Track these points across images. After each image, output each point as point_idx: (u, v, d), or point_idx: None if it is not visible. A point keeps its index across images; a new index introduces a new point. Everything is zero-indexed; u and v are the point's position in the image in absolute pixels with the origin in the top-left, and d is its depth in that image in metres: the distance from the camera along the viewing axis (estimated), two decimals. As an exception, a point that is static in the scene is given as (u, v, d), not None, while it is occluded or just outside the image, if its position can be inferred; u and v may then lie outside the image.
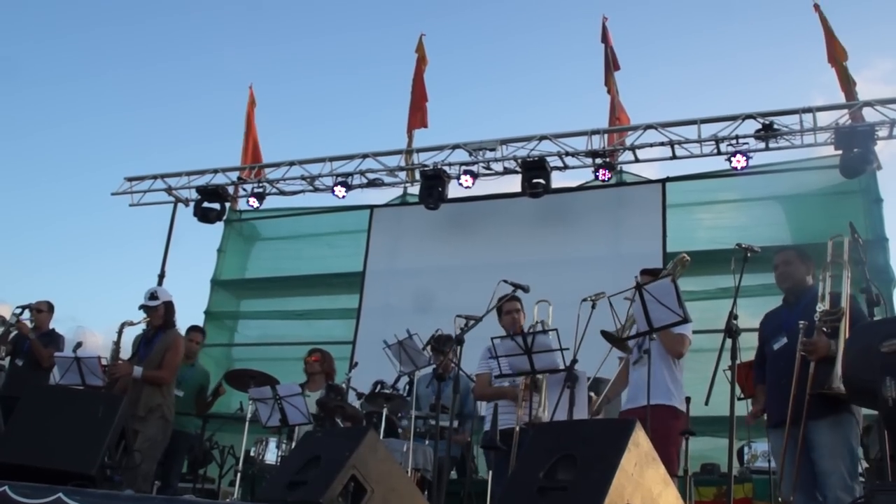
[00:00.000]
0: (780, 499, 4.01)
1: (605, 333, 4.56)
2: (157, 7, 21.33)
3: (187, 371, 6.77)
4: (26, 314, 7.06)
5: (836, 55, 8.56)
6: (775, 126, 8.15)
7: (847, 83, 8.43)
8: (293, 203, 10.97)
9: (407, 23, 21.25)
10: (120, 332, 5.69)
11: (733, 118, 8.36)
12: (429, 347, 6.12)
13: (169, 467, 6.49)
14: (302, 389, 6.04)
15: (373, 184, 10.04)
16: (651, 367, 4.50)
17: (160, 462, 5.87)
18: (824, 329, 3.88)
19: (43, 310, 7.19)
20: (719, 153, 8.49)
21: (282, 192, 10.58)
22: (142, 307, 5.80)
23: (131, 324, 5.75)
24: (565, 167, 9.22)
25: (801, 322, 3.96)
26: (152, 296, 5.84)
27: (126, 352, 5.76)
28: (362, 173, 9.97)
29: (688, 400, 5.82)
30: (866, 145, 7.68)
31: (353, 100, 22.19)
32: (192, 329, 7.25)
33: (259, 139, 11.40)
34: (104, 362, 5.60)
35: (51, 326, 7.22)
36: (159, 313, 5.81)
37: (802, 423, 3.85)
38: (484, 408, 6.13)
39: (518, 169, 9.18)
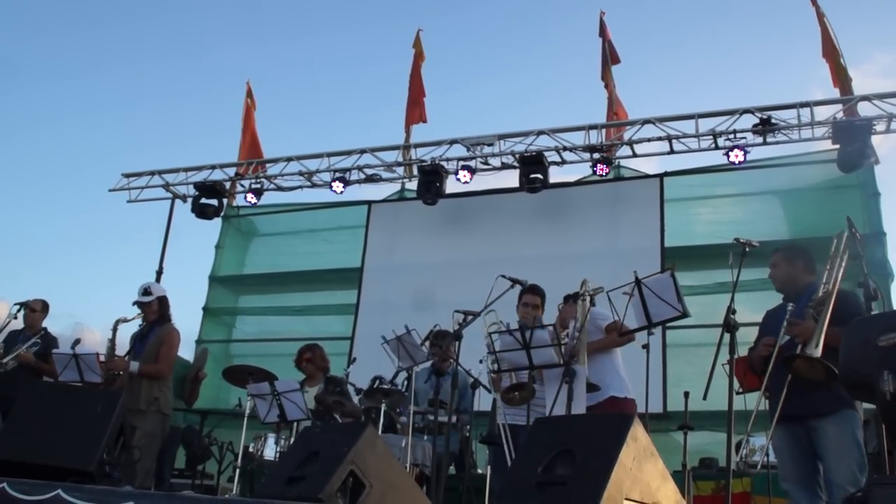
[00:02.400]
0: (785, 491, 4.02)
1: None
2: (154, 5, 21.29)
3: None
4: (21, 313, 6.96)
5: (831, 51, 8.55)
6: (773, 120, 8.14)
7: (842, 78, 8.42)
8: (291, 199, 11.00)
9: (404, 18, 21.24)
10: (114, 329, 5.69)
11: (731, 113, 8.35)
12: (427, 343, 6.13)
13: (162, 461, 6.48)
14: (301, 387, 6.03)
15: (370, 179, 10.04)
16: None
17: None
18: (812, 314, 3.88)
19: (37, 309, 7.01)
20: (717, 148, 8.48)
21: (279, 188, 10.57)
22: (136, 303, 5.80)
23: (125, 320, 5.75)
24: (563, 162, 9.22)
25: (790, 304, 4.00)
26: (146, 291, 5.84)
27: (122, 349, 5.76)
28: (360, 169, 9.96)
29: (686, 394, 5.85)
30: (864, 140, 7.68)
31: (351, 95, 22.18)
32: None
33: (257, 135, 11.39)
34: (102, 359, 5.60)
35: (44, 325, 7.06)
36: (153, 309, 5.81)
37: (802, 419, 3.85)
38: (481, 403, 6.14)
39: (516, 164, 9.18)
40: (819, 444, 3.93)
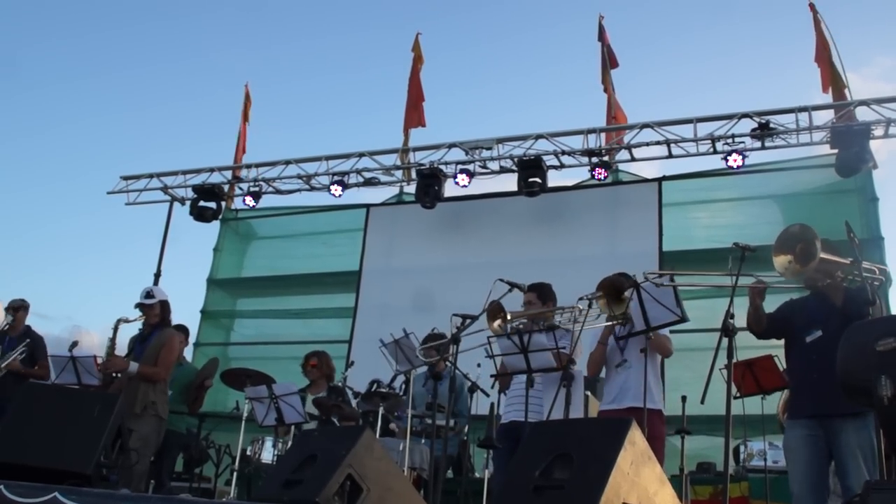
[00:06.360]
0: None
1: None
2: (153, 8, 21.30)
3: (175, 370, 6.72)
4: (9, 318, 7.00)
5: (826, 56, 8.55)
6: (771, 125, 8.17)
7: (835, 83, 8.42)
8: (289, 202, 11.02)
9: (403, 22, 21.24)
10: (115, 329, 5.65)
11: (729, 117, 8.38)
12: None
13: (161, 466, 6.47)
14: (304, 394, 6.03)
15: (369, 182, 10.05)
16: (642, 370, 4.52)
17: (152, 461, 5.85)
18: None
19: (19, 308, 7.08)
20: (716, 152, 8.50)
21: (278, 191, 10.58)
22: (138, 305, 5.80)
23: (127, 321, 5.73)
24: (562, 166, 9.23)
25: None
26: (148, 294, 5.83)
27: (122, 350, 5.75)
28: (359, 172, 9.97)
29: (683, 399, 5.85)
30: (862, 144, 7.70)
31: (350, 99, 22.18)
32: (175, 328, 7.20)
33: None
34: (100, 361, 5.58)
35: (27, 323, 7.11)
36: (155, 312, 5.80)
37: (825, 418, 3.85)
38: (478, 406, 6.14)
39: (514, 168, 9.20)
40: (838, 448, 3.85)
